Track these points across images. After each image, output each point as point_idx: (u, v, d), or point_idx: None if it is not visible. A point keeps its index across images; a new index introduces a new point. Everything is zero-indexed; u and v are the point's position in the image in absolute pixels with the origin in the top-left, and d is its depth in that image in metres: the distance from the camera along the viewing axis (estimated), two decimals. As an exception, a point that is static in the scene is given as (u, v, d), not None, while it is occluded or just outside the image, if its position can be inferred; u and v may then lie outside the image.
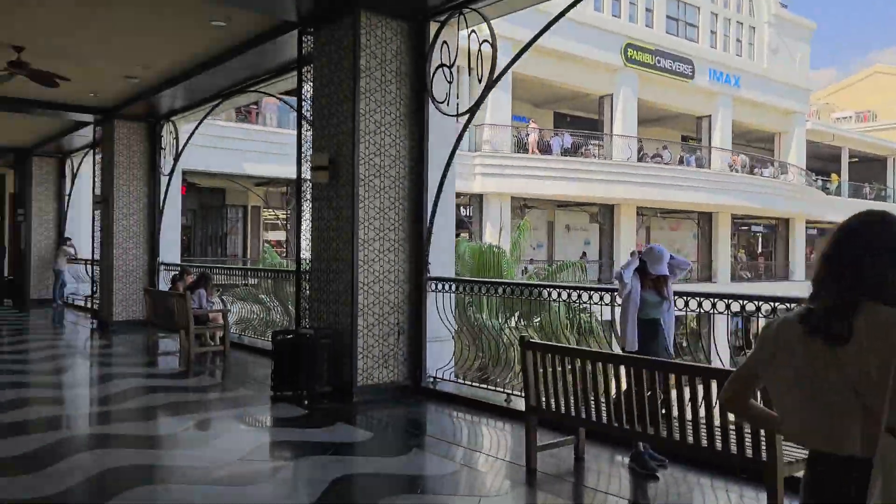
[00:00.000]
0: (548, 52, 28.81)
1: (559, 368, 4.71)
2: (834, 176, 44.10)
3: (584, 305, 7.10)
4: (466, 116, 7.13)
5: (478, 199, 28.73)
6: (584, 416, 4.61)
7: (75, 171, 17.87)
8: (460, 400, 6.98)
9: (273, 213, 28.14)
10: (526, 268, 31.00)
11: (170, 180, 13.05)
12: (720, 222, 36.58)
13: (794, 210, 36.31)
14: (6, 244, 22.33)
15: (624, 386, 4.41)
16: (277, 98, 10.67)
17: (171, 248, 13.74)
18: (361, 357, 7.07)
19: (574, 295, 6.67)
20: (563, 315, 9.20)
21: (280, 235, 30.26)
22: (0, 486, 4.44)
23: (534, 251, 31.91)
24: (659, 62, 33.07)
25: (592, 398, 4.59)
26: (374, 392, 7.13)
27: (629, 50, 31.60)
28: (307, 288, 7.80)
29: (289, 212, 24.54)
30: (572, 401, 4.64)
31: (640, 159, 31.72)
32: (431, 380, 7.37)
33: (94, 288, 14.13)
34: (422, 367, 7.39)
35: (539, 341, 5.43)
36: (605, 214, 33.22)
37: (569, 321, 9.87)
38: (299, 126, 7.96)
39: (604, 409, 4.60)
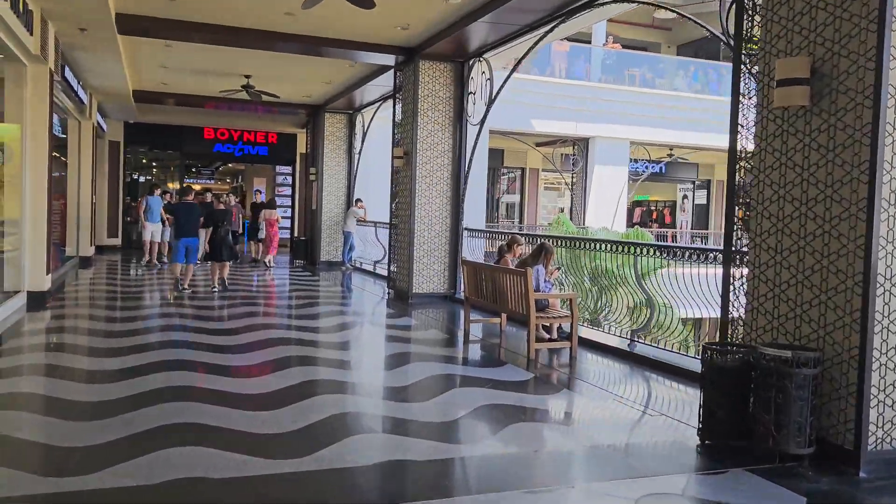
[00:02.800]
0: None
1: None
2: None
3: None
4: None
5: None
6: None
7: (366, 127, 16.80)
8: None
9: (559, 177, 25.75)
10: None
11: (479, 131, 10.97)
12: None
13: None
14: (295, 204, 22.51)
15: None
16: (672, 12, 7.79)
17: (475, 212, 11.77)
18: (876, 403, 4.14)
19: None
20: None
21: (557, 200, 27.93)
22: None
23: None
24: None
25: None
26: (887, 464, 4.18)
27: None
28: (749, 276, 4.98)
29: (574, 174, 21.97)
30: None
31: None
32: (984, 449, 4.24)
33: (390, 254, 12.63)
34: (969, 424, 4.27)
35: None
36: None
37: None
38: (739, 15, 5.11)
39: None
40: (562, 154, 23.20)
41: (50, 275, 10.25)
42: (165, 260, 15.98)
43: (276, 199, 22.33)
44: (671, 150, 24.00)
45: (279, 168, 23.46)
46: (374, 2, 7.68)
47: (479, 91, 10.76)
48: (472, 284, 8.45)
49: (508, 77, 10.11)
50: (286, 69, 13.48)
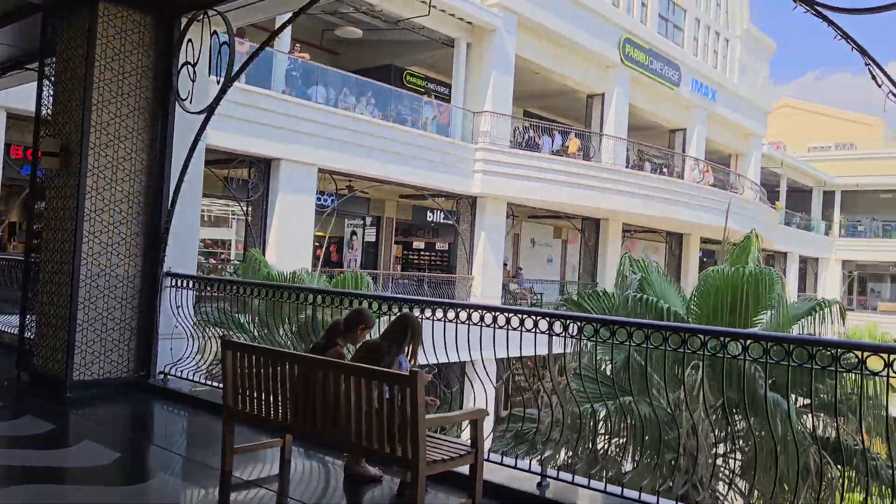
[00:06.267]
0: (548, 34, 24.24)
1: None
2: (778, 204, 42.74)
3: None
4: None
5: (469, 203, 23.40)
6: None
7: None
8: None
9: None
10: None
11: (204, 124, 7.02)
12: (692, 243, 33.63)
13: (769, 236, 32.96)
14: None
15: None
16: None
17: (185, 247, 7.67)
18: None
19: None
20: None
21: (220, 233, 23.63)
22: None
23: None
24: (651, 64, 29.50)
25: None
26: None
27: (627, 46, 27.70)
28: None
29: (250, 203, 18.12)
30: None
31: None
32: None
33: (24, 307, 7.67)
34: None
35: None
36: (589, 229, 28.97)
37: None
38: None
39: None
40: (234, 178, 19.17)
41: None
42: None
43: None
44: (350, 181, 21.64)
45: None
46: None
47: (213, 62, 6.87)
48: (240, 384, 4.63)
49: (268, 42, 6.49)
50: None
